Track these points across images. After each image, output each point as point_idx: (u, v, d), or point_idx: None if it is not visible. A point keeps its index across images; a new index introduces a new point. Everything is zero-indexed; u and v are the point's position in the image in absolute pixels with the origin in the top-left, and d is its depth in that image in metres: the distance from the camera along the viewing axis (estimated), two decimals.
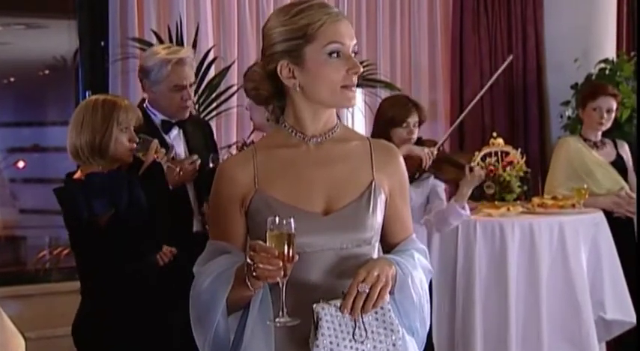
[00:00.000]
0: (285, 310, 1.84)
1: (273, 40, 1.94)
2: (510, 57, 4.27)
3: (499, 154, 4.65)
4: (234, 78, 4.82)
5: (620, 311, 4.36)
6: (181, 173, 3.27)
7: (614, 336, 4.44)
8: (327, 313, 1.84)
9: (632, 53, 5.83)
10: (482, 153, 4.68)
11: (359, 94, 5.27)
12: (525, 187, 4.60)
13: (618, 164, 4.80)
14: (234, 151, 4.30)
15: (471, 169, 3.90)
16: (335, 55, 1.91)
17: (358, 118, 5.52)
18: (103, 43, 4.82)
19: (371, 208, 1.96)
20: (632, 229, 4.68)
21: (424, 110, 4.00)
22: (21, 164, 5.75)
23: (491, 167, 4.57)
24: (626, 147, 4.93)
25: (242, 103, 4.59)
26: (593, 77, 5.60)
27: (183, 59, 3.42)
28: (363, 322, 1.87)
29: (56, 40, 5.56)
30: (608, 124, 4.77)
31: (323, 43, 1.90)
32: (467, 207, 3.97)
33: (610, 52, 5.88)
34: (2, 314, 1.75)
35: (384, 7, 5.67)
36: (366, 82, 5.04)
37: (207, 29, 4.89)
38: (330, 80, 1.92)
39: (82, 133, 2.97)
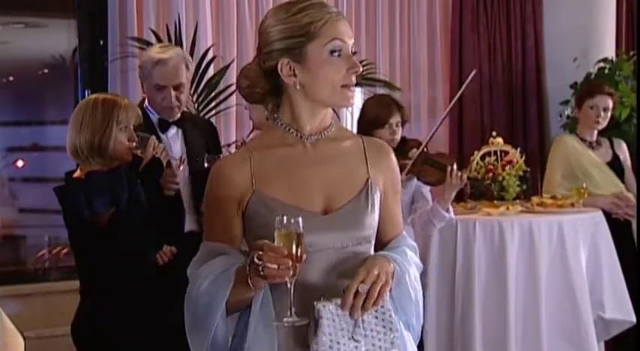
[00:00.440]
0: (293, 309, 1.84)
1: (272, 38, 1.93)
2: (474, 71, 4.29)
3: (498, 153, 4.65)
4: (233, 77, 4.81)
5: (619, 311, 4.36)
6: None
7: (612, 335, 4.44)
8: (328, 311, 1.85)
9: (632, 52, 5.83)
10: (481, 152, 4.68)
11: (358, 93, 5.27)
12: (524, 187, 4.61)
13: (614, 164, 4.81)
14: (233, 150, 4.30)
15: (452, 173, 3.89)
16: (336, 53, 1.92)
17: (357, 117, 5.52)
18: (102, 42, 4.81)
19: (369, 206, 1.98)
20: (630, 231, 4.69)
21: (406, 110, 4.03)
22: (20, 163, 5.74)
23: (491, 166, 4.57)
24: (624, 146, 4.93)
25: (241, 102, 4.58)
26: (593, 76, 5.60)
27: (165, 60, 3.41)
28: (362, 320, 1.88)
29: (55, 39, 5.56)
30: (604, 123, 4.78)
31: (324, 41, 1.91)
32: (451, 209, 3.98)
33: (609, 51, 5.89)
34: (2, 314, 1.75)
35: (383, 6, 5.67)
36: (366, 81, 5.03)
37: (206, 28, 4.89)
38: (330, 79, 1.92)
39: (82, 132, 2.97)
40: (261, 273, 1.77)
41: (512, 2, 6.06)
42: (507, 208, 4.41)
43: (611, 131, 5.22)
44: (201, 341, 1.92)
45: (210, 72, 4.62)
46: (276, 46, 1.93)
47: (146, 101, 3.56)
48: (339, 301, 1.86)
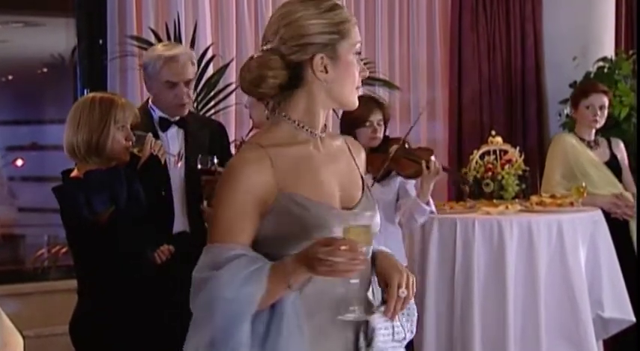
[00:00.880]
0: (358, 304, 1.87)
1: (308, 31, 1.89)
2: (422, 111, 4.32)
3: (497, 152, 4.66)
4: (232, 76, 4.81)
5: (617, 309, 4.37)
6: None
7: (611, 334, 4.45)
8: (378, 321, 1.90)
9: (631, 52, 5.84)
10: (480, 151, 4.68)
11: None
12: (524, 186, 4.61)
13: (612, 164, 4.82)
14: (232, 149, 4.29)
15: (428, 165, 3.88)
16: (357, 55, 1.97)
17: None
18: (101, 41, 4.81)
19: (375, 204, 2.02)
20: (629, 230, 4.69)
21: (388, 108, 4.03)
22: (19, 162, 5.74)
23: (490, 165, 4.57)
24: (622, 145, 4.94)
25: (240, 101, 4.58)
26: (592, 75, 5.60)
27: (177, 56, 3.41)
28: (400, 322, 1.94)
29: (54, 38, 5.55)
30: (602, 121, 4.79)
31: (352, 42, 1.94)
32: (431, 202, 3.96)
33: (608, 50, 5.89)
34: (1, 313, 1.75)
35: (382, 5, 5.67)
36: (365, 80, 5.02)
37: (206, 27, 4.88)
38: (353, 79, 1.96)
39: (79, 131, 2.97)
40: (331, 269, 1.74)
41: (512, 1, 6.06)
42: (506, 207, 4.41)
43: (611, 130, 5.23)
44: (225, 347, 1.80)
45: (210, 71, 4.61)
46: (313, 40, 1.90)
47: (150, 100, 3.55)
48: (375, 308, 1.91)
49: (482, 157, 4.66)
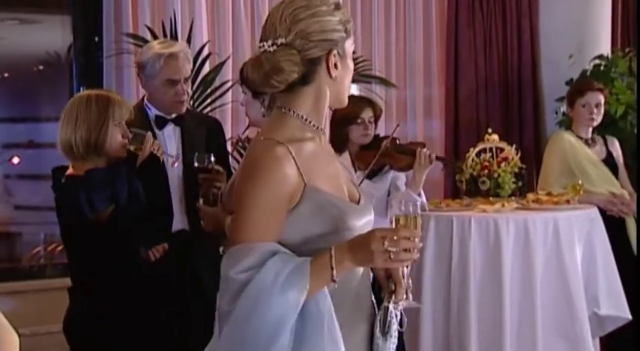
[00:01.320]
0: (409, 292, 1.91)
1: (326, 27, 1.90)
2: (398, 125, 4.35)
3: (494, 150, 4.65)
4: (228, 73, 4.81)
5: (614, 307, 4.37)
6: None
7: (607, 332, 4.45)
8: (393, 310, 1.93)
9: (627, 49, 5.84)
10: (476, 149, 4.68)
11: (354, 90, 5.27)
12: (520, 183, 4.61)
13: (609, 162, 4.84)
14: (229, 147, 4.29)
15: (420, 154, 3.90)
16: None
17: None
18: (97, 39, 4.81)
19: (368, 199, 2.05)
20: (625, 228, 4.70)
21: (378, 105, 4.05)
22: (16, 160, 5.73)
23: (486, 163, 4.57)
24: (617, 143, 4.95)
25: (237, 98, 4.58)
26: (588, 73, 5.61)
27: (176, 53, 3.40)
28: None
29: (50, 35, 5.54)
30: (598, 119, 4.80)
31: (351, 42, 1.97)
32: (422, 194, 3.99)
33: (605, 47, 5.89)
34: None
35: (379, 3, 5.67)
36: (361, 77, 5.03)
37: (202, 25, 4.88)
38: (350, 77, 1.99)
39: (77, 129, 2.96)
40: (393, 258, 1.76)
41: None
42: (503, 205, 4.40)
43: (607, 128, 5.24)
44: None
45: (206, 68, 4.61)
46: (330, 37, 1.90)
47: (145, 98, 3.54)
48: (388, 296, 1.93)
49: (478, 154, 4.65)
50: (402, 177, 4.10)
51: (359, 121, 3.91)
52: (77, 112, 2.98)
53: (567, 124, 5.30)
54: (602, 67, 5.61)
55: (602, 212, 4.53)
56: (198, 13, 4.87)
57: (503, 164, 4.58)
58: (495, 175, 4.55)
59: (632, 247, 4.69)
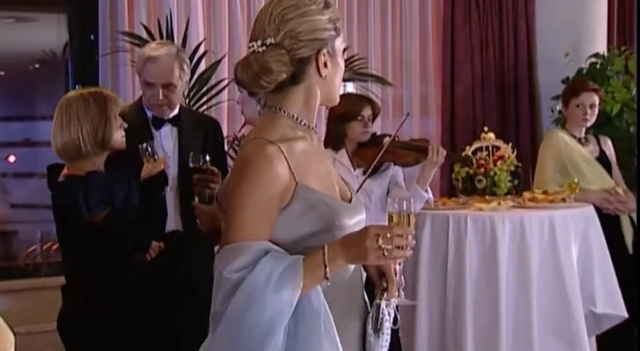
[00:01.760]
0: (402, 290, 1.94)
1: (315, 26, 1.90)
2: (406, 114, 4.36)
3: (490, 148, 4.66)
4: (224, 72, 4.80)
5: (610, 305, 4.37)
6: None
7: (603, 330, 4.45)
8: (384, 308, 1.94)
9: (623, 48, 5.85)
10: (473, 147, 4.68)
11: (350, 89, 5.27)
12: (516, 182, 4.61)
13: (602, 160, 4.85)
14: (225, 146, 4.28)
15: (432, 150, 3.90)
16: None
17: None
18: (92, 37, 4.80)
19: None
20: (619, 226, 4.70)
21: (377, 104, 4.06)
22: (12, 158, 5.72)
23: (482, 162, 4.57)
24: (609, 142, 4.97)
25: (233, 97, 4.58)
26: (584, 72, 5.61)
27: (156, 57, 3.37)
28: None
29: (46, 33, 5.54)
30: (592, 119, 4.81)
31: (342, 40, 1.97)
32: (429, 190, 4.00)
33: (601, 46, 5.90)
34: None
35: (375, 1, 5.67)
36: (357, 76, 5.03)
37: (198, 23, 4.87)
38: (341, 76, 1.99)
39: (82, 127, 2.96)
40: (386, 256, 1.78)
41: None
42: (499, 204, 4.41)
43: (603, 127, 5.25)
44: None
45: (202, 67, 4.60)
46: (320, 36, 1.91)
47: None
48: (380, 294, 1.95)
49: (474, 153, 4.65)
50: (400, 173, 4.11)
51: (359, 118, 3.92)
52: (77, 111, 2.98)
53: (563, 122, 5.31)
54: (598, 66, 5.61)
55: (597, 210, 4.54)
56: (194, 12, 4.86)
57: (499, 163, 4.58)
58: (491, 173, 4.56)
59: (626, 245, 4.70)
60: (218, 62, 4.67)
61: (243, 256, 1.77)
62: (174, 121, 3.48)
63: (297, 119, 1.93)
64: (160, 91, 3.38)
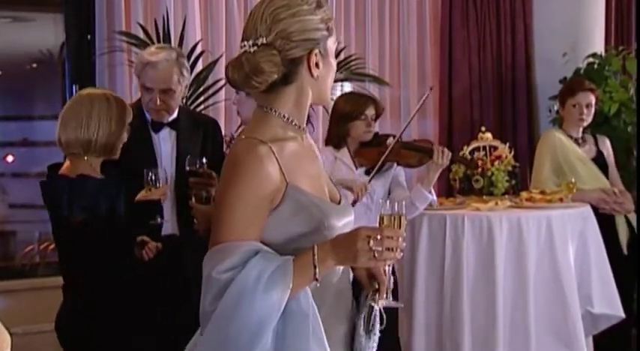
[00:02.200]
0: (389, 292, 1.93)
1: (307, 27, 1.89)
2: (430, 90, 4.35)
3: (487, 148, 4.66)
4: (221, 72, 4.79)
5: (607, 305, 4.37)
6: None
7: (600, 330, 4.45)
8: (375, 310, 1.95)
9: (621, 48, 5.85)
10: (470, 147, 4.68)
11: (348, 88, 5.26)
12: (513, 182, 4.61)
13: (599, 161, 4.85)
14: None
15: (438, 151, 3.90)
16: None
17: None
18: (89, 37, 4.79)
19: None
20: (615, 225, 4.70)
21: (381, 103, 4.07)
22: (10, 158, 5.71)
23: (480, 161, 4.57)
24: (607, 143, 4.97)
25: (230, 97, 4.57)
26: (582, 72, 5.61)
27: (155, 63, 3.35)
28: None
29: (43, 33, 5.53)
30: (588, 119, 4.81)
31: (334, 40, 1.96)
32: (433, 191, 3.99)
33: (598, 46, 5.90)
34: None
35: (372, 1, 5.67)
36: (354, 76, 5.03)
37: (195, 23, 4.87)
38: (333, 76, 1.98)
39: (101, 128, 2.95)
40: (377, 257, 1.78)
41: None
42: (496, 204, 4.41)
43: (601, 126, 5.25)
44: None
45: (199, 67, 4.60)
46: (311, 36, 1.89)
47: None
48: (371, 296, 1.96)
49: (472, 153, 4.65)
50: (402, 173, 4.10)
51: (362, 117, 3.92)
52: (98, 110, 2.96)
53: (561, 122, 5.31)
54: (595, 66, 5.61)
55: (593, 210, 4.54)
56: (191, 11, 4.86)
57: (496, 162, 4.58)
58: (489, 173, 4.56)
59: (621, 246, 4.70)
60: (215, 62, 4.66)
61: (232, 257, 1.76)
62: (172, 124, 3.47)
63: (288, 119, 1.92)
64: (158, 96, 3.36)
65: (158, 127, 3.45)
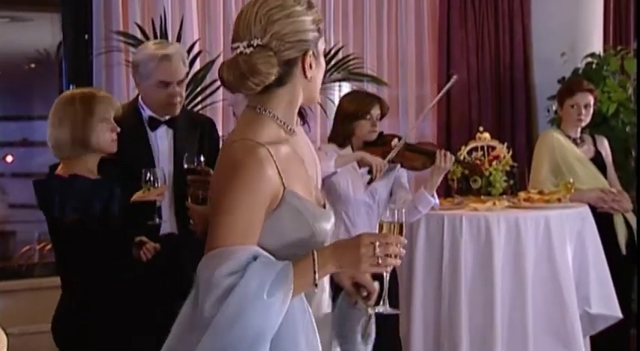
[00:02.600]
0: (386, 299, 1.97)
1: (302, 27, 1.87)
2: (455, 77, 4.31)
3: (485, 148, 4.65)
4: None
5: (605, 306, 4.37)
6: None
7: (598, 330, 4.45)
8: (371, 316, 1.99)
9: (619, 47, 5.85)
10: (468, 147, 4.68)
11: (346, 89, 5.25)
12: (511, 182, 4.60)
13: (597, 161, 4.85)
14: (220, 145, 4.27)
15: (441, 156, 3.89)
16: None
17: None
18: (86, 37, 4.78)
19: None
20: (613, 225, 4.70)
21: (386, 103, 4.05)
22: (9, 158, 5.71)
23: (477, 161, 4.57)
24: (606, 143, 4.97)
25: (227, 97, 4.56)
26: (580, 72, 5.61)
27: (170, 55, 3.35)
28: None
29: (40, 33, 5.52)
30: (587, 120, 4.81)
31: (323, 40, 1.95)
32: (435, 195, 3.98)
33: (597, 46, 5.89)
34: None
35: (371, 1, 5.66)
36: (353, 75, 5.02)
37: (192, 22, 4.86)
38: (322, 76, 1.97)
39: (63, 128, 2.97)
40: (379, 264, 1.79)
41: None
42: (494, 204, 4.40)
43: (599, 126, 5.24)
44: None
45: (197, 66, 4.59)
46: (306, 37, 1.88)
47: (140, 99, 3.49)
48: (362, 302, 1.99)
49: (470, 153, 4.65)
50: (405, 174, 4.09)
51: (367, 117, 3.91)
52: (63, 111, 2.99)
53: (559, 122, 5.31)
54: (594, 66, 5.61)
55: (591, 210, 4.54)
56: (189, 11, 4.85)
57: (494, 163, 4.58)
58: (487, 173, 4.55)
59: (619, 246, 4.69)
60: (212, 62, 4.65)
61: (233, 261, 1.74)
62: (169, 122, 3.46)
63: (280, 121, 1.91)
64: (177, 89, 3.36)
65: (155, 124, 3.43)
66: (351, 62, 4.99)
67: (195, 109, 4.50)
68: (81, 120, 2.97)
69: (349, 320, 1.97)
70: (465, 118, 5.91)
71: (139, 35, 4.38)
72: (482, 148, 4.65)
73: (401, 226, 1.91)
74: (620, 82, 5.54)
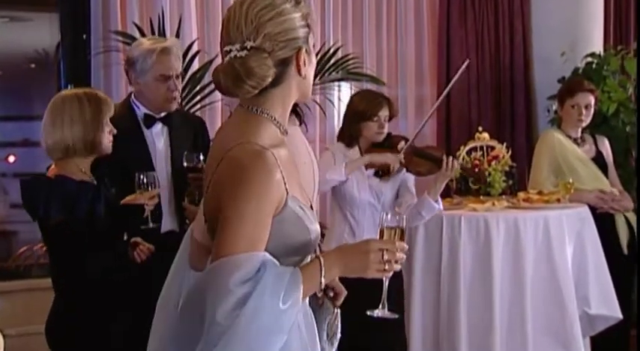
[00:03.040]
0: (386, 303, 2.01)
1: (292, 25, 1.83)
2: (467, 61, 4.29)
3: (484, 148, 4.64)
4: None
5: (604, 306, 4.36)
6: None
7: (598, 331, 4.44)
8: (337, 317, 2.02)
9: (619, 47, 5.83)
10: (467, 147, 4.67)
11: (345, 88, 5.24)
12: (511, 182, 4.59)
13: (599, 161, 4.83)
14: None
15: (446, 162, 3.88)
16: None
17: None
18: (85, 36, 4.78)
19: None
20: (614, 225, 4.69)
21: (395, 105, 4.04)
22: (11, 159, 5.70)
23: (477, 162, 4.56)
24: (607, 143, 4.95)
25: (225, 97, 4.55)
26: (580, 71, 5.59)
27: (169, 48, 3.34)
28: None
29: (38, 33, 5.52)
30: (587, 120, 4.79)
31: (312, 35, 1.90)
32: (440, 200, 3.97)
33: (597, 45, 5.88)
34: None
35: (370, 0, 5.65)
36: (352, 75, 5.01)
37: (191, 22, 4.86)
38: (313, 71, 1.94)
39: (73, 129, 2.94)
40: (385, 269, 1.83)
41: None
42: (493, 204, 4.40)
43: (600, 126, 5.23)
44: None
45: (195, 66, 4.58)
46: (297, 34, 1.85)
47: (133, 96, 3.48)
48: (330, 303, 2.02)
49: (469, 153, 4.64)
50: (412, 177, 4.07)
51: (375, 119, 3.90)
52: (70, 111, 2.95)
53: (559, 122, 5.30)
54: (594, 65, 5.60)
55: (592, 210, 4.53)
56: (187, 10, 4.84)
57: (493, 163, 4.57)
58: (486, 173, 4.54)
59: (621, 246, 4.68)
60: (211, 61, 4.63)
61: (247, 269, 1.70)
62: (165, 119, 3.44)
63: (277, 122, 1.87)
64: (175, 82, 3.35)
65: (151, 122, 3.41)
66: (349, 62, 4.98)
67: (194, 109, 4.49)
68: (92, 122, 2.95)
69: (316, 320, 1.96)
70: (464, 118, 5.90)
71: (137, 35, 4.37)
72: (481, 148, 4.64)
73: (402, 231, 1.94)
74: (621, 82, 5.53)
